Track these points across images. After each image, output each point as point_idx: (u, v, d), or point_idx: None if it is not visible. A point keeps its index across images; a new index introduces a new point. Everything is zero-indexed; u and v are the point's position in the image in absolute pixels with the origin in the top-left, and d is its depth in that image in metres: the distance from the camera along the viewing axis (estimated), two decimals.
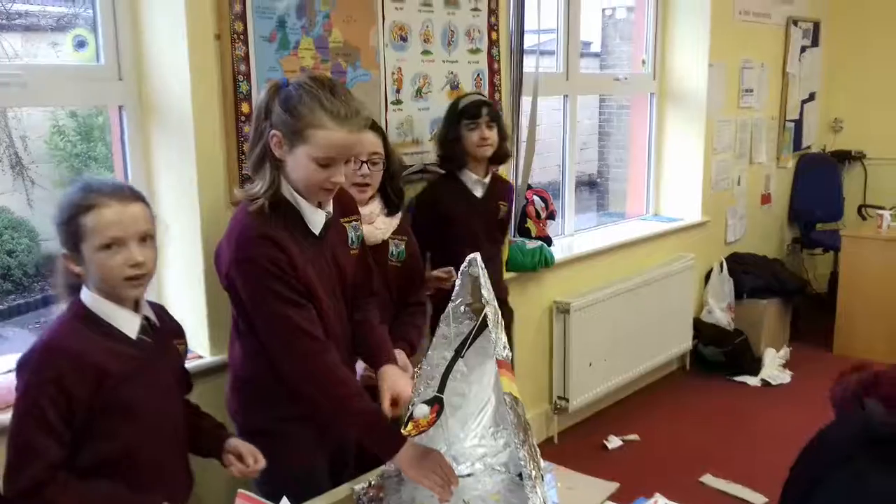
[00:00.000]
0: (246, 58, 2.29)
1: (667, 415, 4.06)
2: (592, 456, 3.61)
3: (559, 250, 3.73)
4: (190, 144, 2.26)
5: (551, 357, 3.74)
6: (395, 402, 1.81)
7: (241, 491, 1.18)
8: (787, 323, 5.07)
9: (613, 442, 3.72)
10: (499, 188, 2.84)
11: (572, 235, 4.20)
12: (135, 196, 1.56)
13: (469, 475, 1.83)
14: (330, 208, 1.83)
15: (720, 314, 4.67)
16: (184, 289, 2.37)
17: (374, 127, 2.23)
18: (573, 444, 3.73)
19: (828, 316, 5.02)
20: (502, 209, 2.86)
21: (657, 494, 1.58)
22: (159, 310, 1.69)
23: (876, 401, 1.12)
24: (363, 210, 2.13)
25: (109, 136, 2.60)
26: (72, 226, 1.49)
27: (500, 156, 2.78)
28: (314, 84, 1.69)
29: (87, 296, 1.53)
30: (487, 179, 2.79)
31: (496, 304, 1.67)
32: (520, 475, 1.73)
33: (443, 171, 2.81)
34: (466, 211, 2.75)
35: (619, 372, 4.03)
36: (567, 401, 3.73)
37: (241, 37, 2.27)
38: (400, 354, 2.16)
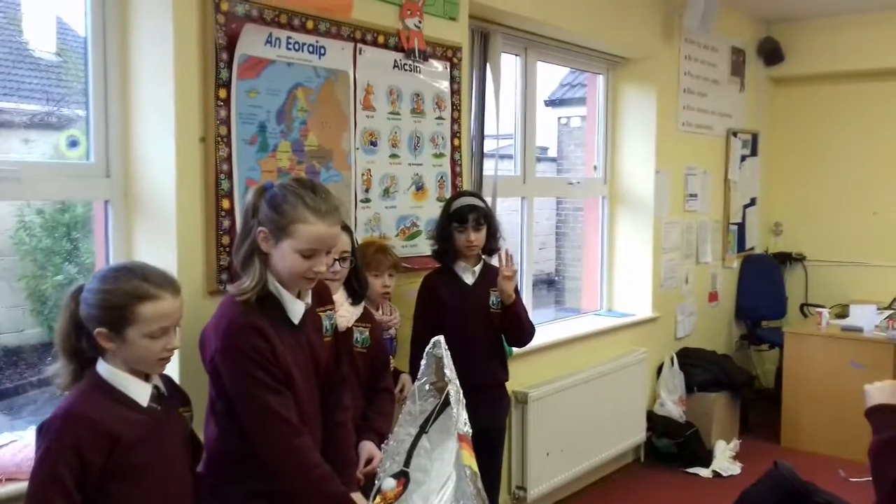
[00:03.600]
0: (228, 158, 2.48)
1: None
2: None
3: None
4: (171, 237, 2.42)
5: (510, 446, 3.85)
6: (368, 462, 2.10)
7: None
8: (737, 416, 5.26)
9: None
10: (491, 275, 3.04)
11: None
12: (178, 289, 1.74)
13: None
14: (309, 299, 2.00)
15: (672, 406, 4.84)
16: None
17: (344, 227, 2.43)
18: None
19: (775, 409, 5.22)
20: (493, 295, 3.04)
21: None
22: (166, 380, 1.82)
23: (787, 465, 1.29)
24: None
25: (75, 231, 2.76)
26: (125, 311, 1.64)
27: (490, 250, 3.05)
28: (297, 185, 1.90)
29: (105, 369, 1.66)
30: (478, 268, 3.04)
31: (458, 382, 1.83)
32: None
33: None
34: (457, 296, 2.98)
35: (576, 462, 4.15)
36: (525, 490, 3.82)
37: (225, 140, 2.48)
38: (368, 446, 2.31)
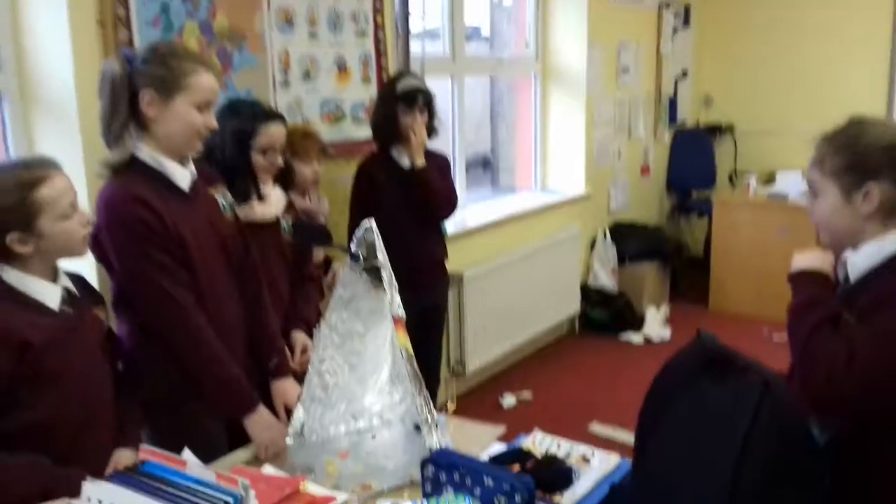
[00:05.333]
0: (129, 42, 2.32)
1: (558, 373, 4.33)
2: (489, 414, 3.82)
3: (452, 224, 3.90)
4: (74, 130, 2.28)
5: (448, 325, 3.92)
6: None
7: (143, 446, 1.28)
8: (667, 284, 5.45)
9: (508, 400, 3.95)
10: (430, 161, 2.97)
11: (464, 208, 4.38)
12: (60, 166, 1.65)
13: (368, 430, 1.98)
14: (193, 169, 1.90)
15: (605, 278, 4.98)
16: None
17: (280, 117, 2.34)
18: (471, 406, 3.93)
19: (704, 276, 5.43)
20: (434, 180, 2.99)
21: (535, 429, 1.77)
22: (77, 280, 1.75)
23: (709, 334, 1.32)
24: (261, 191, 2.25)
25: None
26: (25, 204, 1.54)
27: (430, 132, 2.97)
28: (165, 46, 1.83)
29: (10, 275, 1.58)
30: None
31: (390, 267, 1.82)
32: (416, 426, 1.88)
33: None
34: (395, 181, 2.92)
35: (513, 336, 4.27)
36: (463, 365, 3.93)
37: (124, 21, 2.31)
38: (301, 336, 2.29)
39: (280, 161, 2.30)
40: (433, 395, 3.23)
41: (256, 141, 2.25)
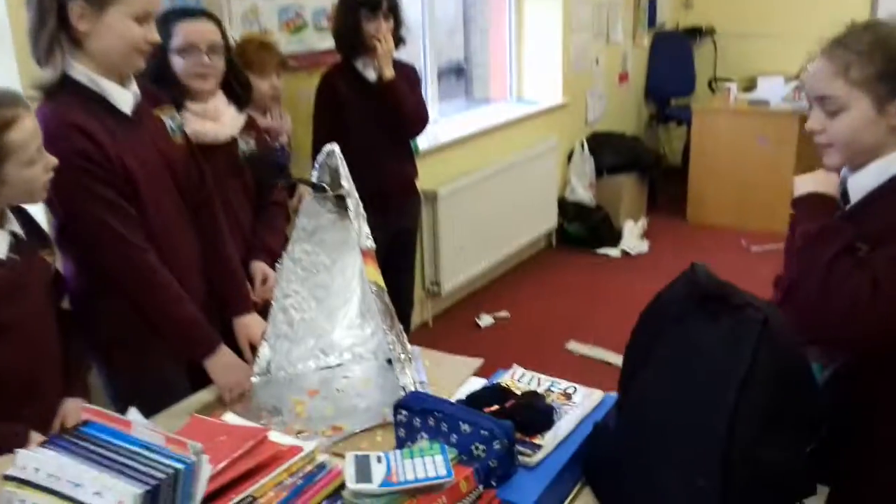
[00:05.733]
0: None
1: (534, 290, 4.27)
2: (465, 335, 3.77)
3: (424, 139, 3.73)
4: (8, 49, 2.09)
5: (422, 244, 3.81)
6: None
7: (85, 405, 1.17)
8: (645, 196, 5.36)
9: (485, 320, 3.89)
10: (398, 71, 2.77)
11: (436, 122, 4.19)
12: (28, 104, 1.49)
13: (339, 365, 1.88)
14: (136, 89, 1.72)
15: (582, 192, 4.87)
16: None
17: (210, 16, 2.11)
18: (447, 326, 3.87)
19: (682, 187, 5.33)
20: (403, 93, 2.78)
21: (514, 365, 1.68)
22: (23, 218, 1.59)
23: (703, 267, 1.22)
24: (206, 105, 2.04)
25: None
26: None
27: (396, 41, 2.76)
28: None
29: None
30: None
31: (357, 195, 1.68)
32: (388, 360, 1.79)
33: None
34: (360, 95, 2.73)
35: (489, 254, 4.18)
36: (439, 285, 3.84)
37: None
38: (260, 266, 2.15)
39: (209, 61, 2.05)
40: (407, 320, 3.15)
41: (172, 42, 2.02)
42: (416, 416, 1.36)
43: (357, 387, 1.79)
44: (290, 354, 1.88)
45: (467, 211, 3.91)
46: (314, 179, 1.67)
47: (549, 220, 4.73)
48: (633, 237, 4.87)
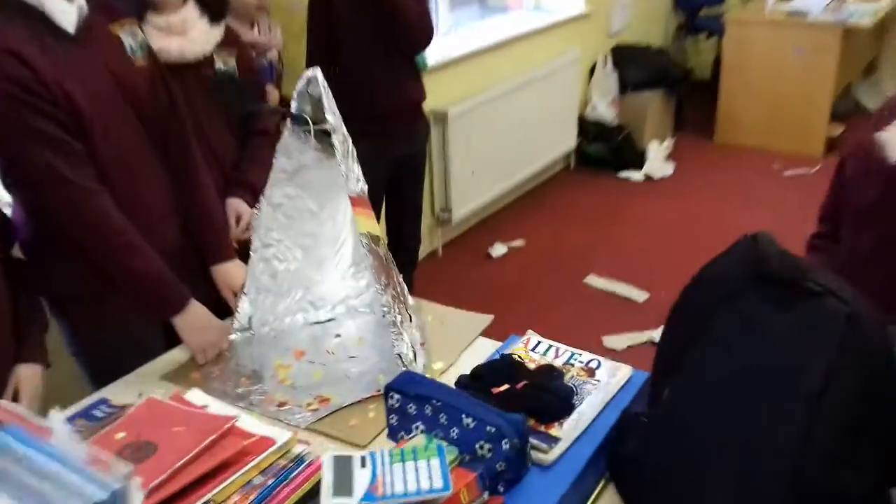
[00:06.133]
0: None
1: (551, 217, 4.01)
2: (478, 265, 3.55)
3: (433, 54, 3.40)
4: None
5: (431, 170, 3.54)
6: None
7: (3, 403, 0.97)
8: (671, 114, 5.01)
9: (498, 250, 3.66)
10: None
11: (446, 34, 3.85)
12: None
13: (330, 320, 1.67)
14: (83, 2, 1.44)
15: (604, 110, 4.54)
16: None
17: None
18: (458, 256, 3.65)
19: (710, 103, 4.98)
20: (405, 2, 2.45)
21: (529, 331, 1.46)
22: None
23: (768, 238, 0.97)
24: (170, 18, 1.75)
25: None
26: None
27: None
28: None
29: None
30: None
31: (344, 130, 1.42)
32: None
33: None
34: (358, 7, 2.40)
35: (504, 178, 3.91)
36: (450, 212, 3.60)
37: None
38: (234, 203, 1.90)
39: None
40: (414, 258, 2.93)
41: None
42: (410, 402, 1.15)
43: (350, 347, 1.57)
44: (276, 308, 1.66)
45: (480, 132, 3.61)
46: (293, 110, 1.40)
47: (567, 140, 4.42)
48: (657, 159, 4.57)
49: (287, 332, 1.64)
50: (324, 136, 1.44)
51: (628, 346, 2.86)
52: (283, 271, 1.61)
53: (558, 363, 1.34)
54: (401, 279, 1.53)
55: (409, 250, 2.86)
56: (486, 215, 3.96)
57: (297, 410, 1.37)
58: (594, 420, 1.20)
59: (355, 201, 1.41)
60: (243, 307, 1.61)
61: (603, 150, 4.52)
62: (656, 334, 2.89)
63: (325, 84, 1.37)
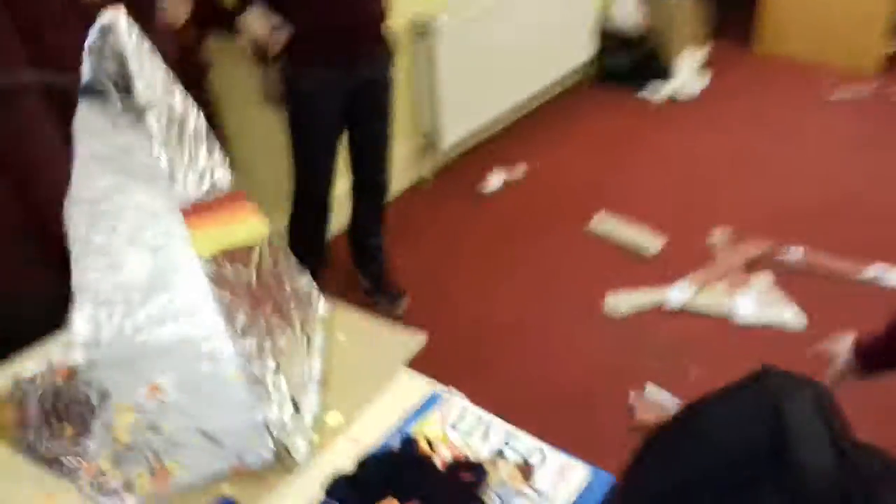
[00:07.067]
0: None
1: (558, 143, 3.49)
2: (468, 202, 3.09)
3: None
4: None
5: (412, 92, 3.02)
6: None
7: None
8: (705, 20, 4.34)
9: (493, 182, 3.16)
10: None
11: None
12: None
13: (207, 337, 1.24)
14: None
15: (628, 15, 3.90)
16: None
17: None
18: (447, 190, 3.18)
19: (751, 7, 4.31)
20: None
21: (452, 389, 1.03)
22: None
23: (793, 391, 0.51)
24: None
25: None
26: None
27: None
28: None
29: None
30: None
31: (175, 100, 0.95)
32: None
33: None
34: None
35: (503, 98, 3.37)
36: (438, 135, 3.10)
37: None
38: None
39: None
40: (381, 203, 2.47)
41: None
42: None
43: (220, 383, 1.15)
44: (135, 316, 1.24)
45: (474, 45, 3.05)
46: (86, 70, 0.93)
47: (580, 53, 3.82)
48: (687, 73, 3.97)
49: (148, 352, 1.22)
50: (136, 111, 0.96)
51: (634, 313, 2.41)
52: (125, 281, 1.18)
53: (485, 452, 0.92)
54: (297, 286, 1.10)
55: (374, 189, 2.40)
56: (483, 138, 3.43)
57: (114, 492, 0.98)
58: None
59: (196, 210, 0.95)
60: (78, 327, 1.19)
61: (624, 62, 3.92)
62: (669, 296, 2.44)
63: (140, 31, 0.89)
